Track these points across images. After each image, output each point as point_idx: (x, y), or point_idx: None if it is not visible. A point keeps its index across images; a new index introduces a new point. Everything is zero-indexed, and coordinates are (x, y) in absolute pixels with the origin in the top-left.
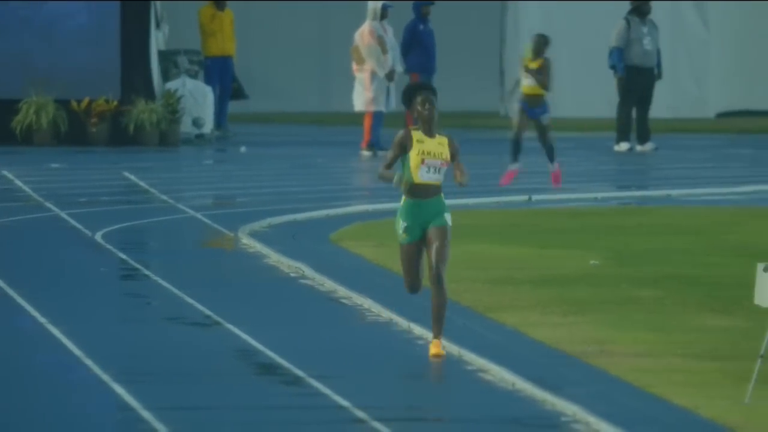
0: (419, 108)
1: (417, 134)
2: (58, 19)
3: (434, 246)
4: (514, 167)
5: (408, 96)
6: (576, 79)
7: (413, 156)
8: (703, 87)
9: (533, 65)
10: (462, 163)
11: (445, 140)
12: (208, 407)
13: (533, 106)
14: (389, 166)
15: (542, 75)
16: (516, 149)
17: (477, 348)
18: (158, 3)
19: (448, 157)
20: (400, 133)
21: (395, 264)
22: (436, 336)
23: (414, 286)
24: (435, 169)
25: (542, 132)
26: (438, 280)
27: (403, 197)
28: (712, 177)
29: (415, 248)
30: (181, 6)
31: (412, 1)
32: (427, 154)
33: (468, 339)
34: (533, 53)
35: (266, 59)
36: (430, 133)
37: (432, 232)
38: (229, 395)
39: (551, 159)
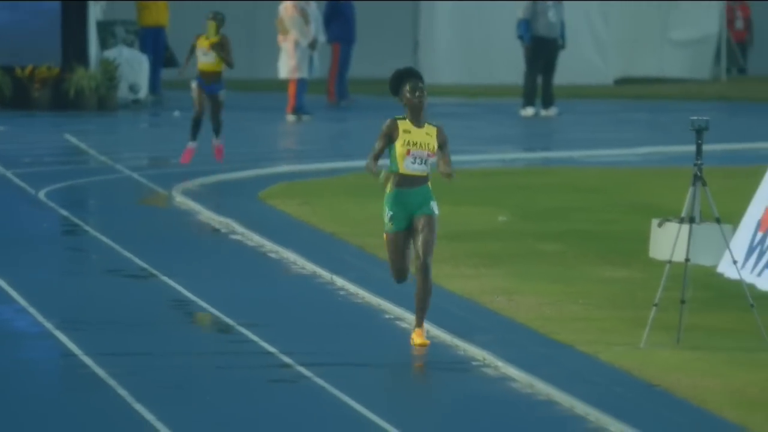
0: (408, 95)
1: (404, 124)
2: None
3: (421, 236)
4: (192, 145)
5: (395, 83)
6: (485, 48)
7: (398, 146)
8: (602, 56)
9: (213, 41)
10: (448, 154)
11: (434, 130)
12: (144, 353)
13: (210, 82)
14: (377, 157)
15: (225, 51)
16: (196, 127)
17: (394, 298)
18: None
19: (436, 147)
20: (387, 122)
21: (319, 220)
22: (419, 325)
23: (401, 274)
24: (421, 160)
25: (217, 107)
26: (425, 270)
27: (390, 186)
28: (610, 140)
29: (401, 237)
30: None
31: None
32: (414, 145)
33: (386, 290)
34: (214, 30)
35: (197, 29)
36: (418, 123)
37: (419, 221)
38: (163, 342)
39: (217, 134)
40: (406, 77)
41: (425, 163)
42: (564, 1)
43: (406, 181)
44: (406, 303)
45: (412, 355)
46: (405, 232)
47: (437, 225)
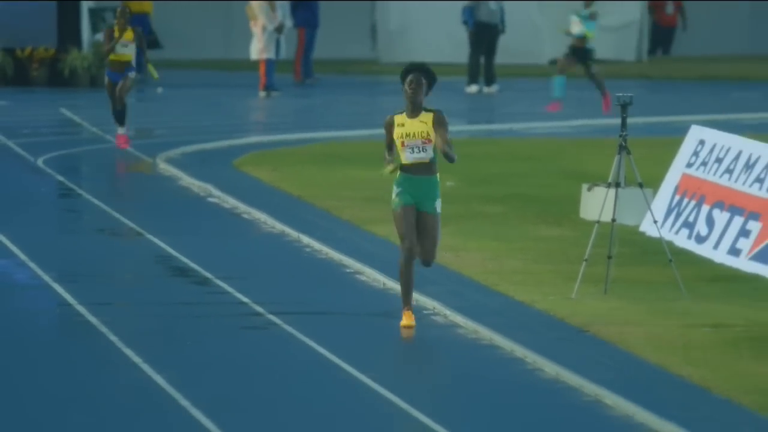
0: (405, 87)
1: (399, 118)
2: None
3: (426, 237)
4: (122, 131)
5: (402, 76)
6: (434, 31)
7: (396, 140)
8: (537, 39)
9: (128, 37)
10: (448, 138)
11: (429, 116)
12: (132, 302)
13: (118, 69)
14: (389, 147)
15: (140, 41)
16: (120, 115)
17: (354, 254)
18: None
19: (431, 131)
20: (386, 118)
21: (287, 185)
22: (409, 305)
23: (412, 247)
24: (418, 149)
25: (125, 91)
26: (427, 263)
27: (398, 172)
28: (545, 114)
29: (409, 210)
30: None
31: None
32: (407, 137)
33: (347, 247)
34: (127, 24)
35: (179, 15)
36: (412, 113)
37: (423, 220)
38: (148, 293)
39: (122, 123)
40: (410, 71)
41: (423, 150)
42: None
43: (409, 169)
44: (364, 259)
45: (371, 304)
46: (411, 207)
47: (440, 224)
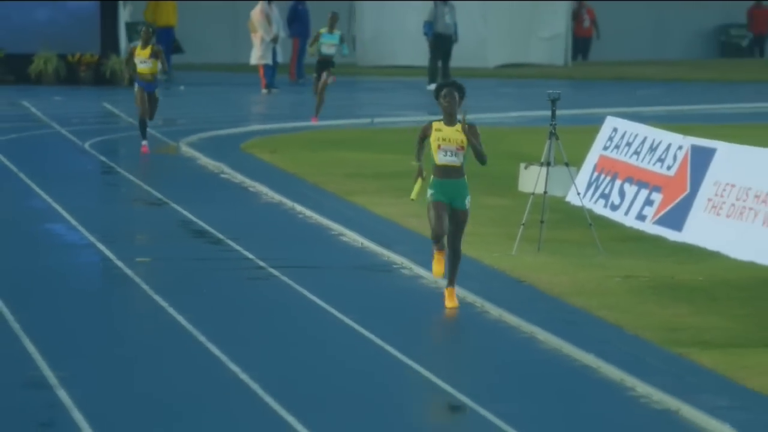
0: (441, 101)
1: (437, 124)
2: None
3: (457, 228)
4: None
5: (437, 92)
6: (400, 39)
7: (432, 142)
8: (482, 47)
9: (145, 54)
10: (480, 143)
11: (459, 127)
12: (159, 258)
13: (146, 80)
14: (419, 148)
15: (158, 55)
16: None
17: (337, 219)
18: None
19: (464, 141)
20: (424, 124)
21: (284, 164)
22: (452, 285)
23: (439, 236)
24: (451, 153)
25: (154, 109)
26: (457, 250)
27: (432, 176)
28: (491, 107)
29: (440, 205)
30: None
31: None
32: (443, 141)
33: (331, 213)
34: (148, 43)
35: (197, 27)
36: (449, 122)
37: (455, 215)
38: (173, 250)
39: (145, 136)
40: (444, 87)
41: (455, 155)
42: (457, 3)
43: (442, 172)
44: (346, 223)
45: (351, 260)
46: (443, 203)
47: (468, 217)
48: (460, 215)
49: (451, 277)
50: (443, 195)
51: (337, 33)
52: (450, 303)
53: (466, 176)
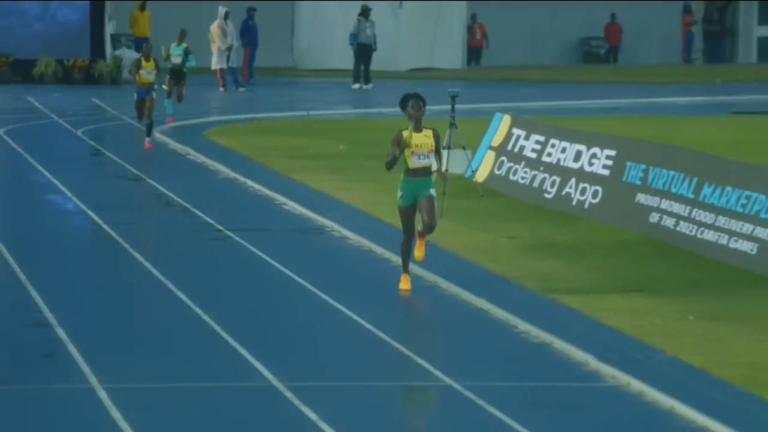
0: (410, 110)
1: (407, 133)
2: (58, 12)
3: (425, 210)
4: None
5: (403, 102)
6: (331, 46)
7: (406, 151)
8: (395, 54)
9: (150, 66)
10: (441, 152)
11: (430, 132)
12: (136, 222)
13: (144, 89)
14: (393, 159)
15: (158, 67)
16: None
17: (280, 191)
18: (109, 6)
19: (433, 144)
20: (397, 133)
21: (238, 147)
22: (422, 237)
23: (410, 234)
24: (424, 156)
25: (152, 109)
26: (430, 230)
27: (402, 174)
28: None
29: (409, 209)
30: (122, 10)
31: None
32: (417, 146)
33: (275, 187)
34: (150, 57)
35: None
36: (418, 129)
37: (423, 201)
38: (148, 216)
39: (149, 134)
40: (410, 98)
41: (428, 158)
42: (374, 18)
43: (414, 172)
44: (287, 195)
45: (292, 224)
46: (411, 207)
47: (435, 202)
48: (426, 202)
49: (424, 235)
50: (410, 196)
51: (182, 46)
52: (418, 254)
53: (432, 176)
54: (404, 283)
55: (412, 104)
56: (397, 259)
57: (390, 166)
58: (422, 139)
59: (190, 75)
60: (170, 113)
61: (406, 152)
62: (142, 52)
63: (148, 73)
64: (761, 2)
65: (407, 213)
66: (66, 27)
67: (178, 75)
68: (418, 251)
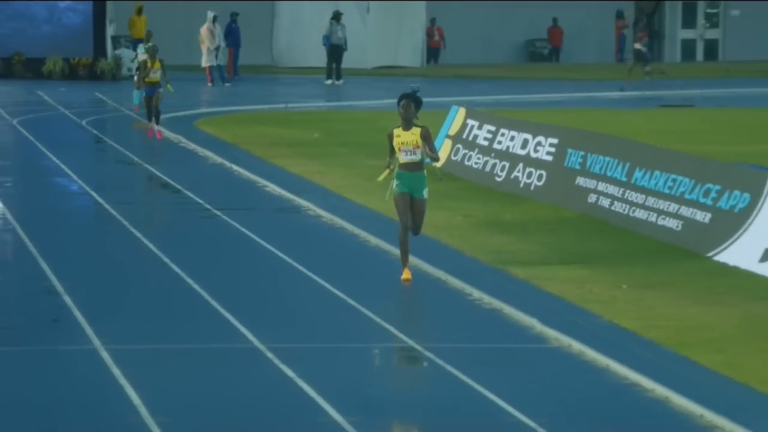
0: (400, 110)
1: (397, 131)
2: (63, 15)
3: (416, 212)
4: (157, 127)
5: (399, 101)
6: (306, 45)
7: (395, 146)
8: (363, 53)
9: (156, 66)
10: (433, 145)
11: (418, 130)
12: (134, 202)
13: (151, 87)
14: (390, 151)
15: (163, 68)
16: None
17: (263, 175)
18: (110, 10)
19: (419, 141)
20: (389, 131)
21: (224, 136)
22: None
23: (407, 225)
24: (410, 152)
25: (158, 102)
26: (416, 233)
27: (397, 168)
28: (370, 95)
29: (405, 197)
30: (121, 14)
31: (230, 12)
32: (403, 144)
33: (259, 171)
34: (156, 58)
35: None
36: (406, 128)
37: (415, 203)
38: (145, 197)
39: (158, 122)
40: (403, 98)
41: (414, 153)
42: (345, 21)
43: (405, 166)
44: (269, 178)
45: (274, 203)
46: (406, 194)
47: (426, 206)
48: (419, 204)
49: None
50: (406, 186)
51: (148, 45)
52: (407, 276)
53: (425, 170)
54: (406, 274)
55: (403, 104)
56: (364, 234)
57: (389, 161)
58: (409, 137)
59: (184, 71)
60: (136, 104)
61: (395, 148)
62: (149, 54)
63: (153, 72)
64: (684, 8)
65: (403, 200)
66: (71, 29)
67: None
68: (406, 274)
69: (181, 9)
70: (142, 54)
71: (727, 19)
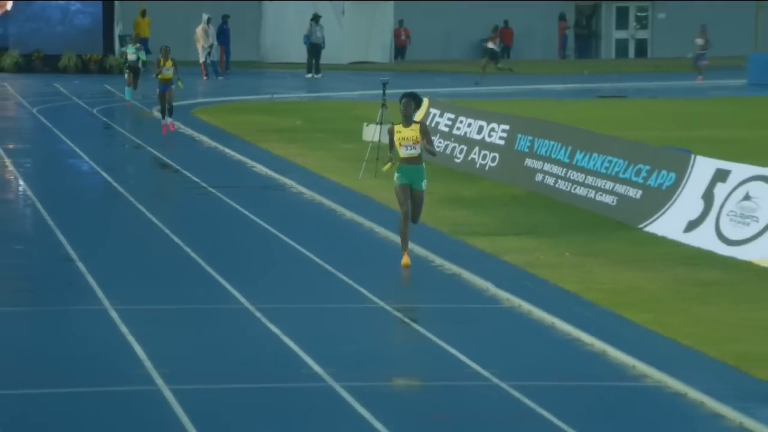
0: (401, 107)
1: (397, 127)
2: (75, 17)
3: (416, 203)
4: (170, 121)
5: (400, 99)
6: (288, 43)
7: (396, 141)
8: (339, 50)
9: (168, 64)
10: (430, 138)
11: (417, 126)
12: (140, 181)
13: (163, 84)
14: (391, 145)
15: (175, 66)
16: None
17: (250, 156)
18: (117, 12)
19: (419, 137)
20: (389, 126)
21: (218, 123)
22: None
23: (407, 212)
24: (410, 147)
25: (171, 98)
26: (415, 221)
27: (398, 162)
28: (345, 87)
29: (406, 188)
30: (127, 15)
31: (222, 15)
32: (403, 139)
33: (246, 153)
34: (168, 57)
35: (163, 37)
36: (406, 124)
37: (415, 194)
38: (147, 176)
39: (170, 116)
40: (404, 97)
41: (414, 148)
42: (323, 21)
43: (405, 161)
44: (255, 159)
45: (260, 182)
46: (406, 186)
47: (425, 195)
48: (418, 194)
49: (406, 243)
50: (406, 178)
51: (135, 46)
52: (406, 261)
53: (424, 163)
54: (405, 259)
55: (404, 102)
56: (340, 208)
57: (390, 152)
58: (409, 133)
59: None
60: (128, 100)
61: (396, 143)
62: (162, 53)
63: (166, 70)
64: (618, 12)
65: (404, 191)
66: (83, 29)
67: (135, 70)
68: (405, 259)
69: (179, 11)
70: (131, 54)
71: (655, 21)
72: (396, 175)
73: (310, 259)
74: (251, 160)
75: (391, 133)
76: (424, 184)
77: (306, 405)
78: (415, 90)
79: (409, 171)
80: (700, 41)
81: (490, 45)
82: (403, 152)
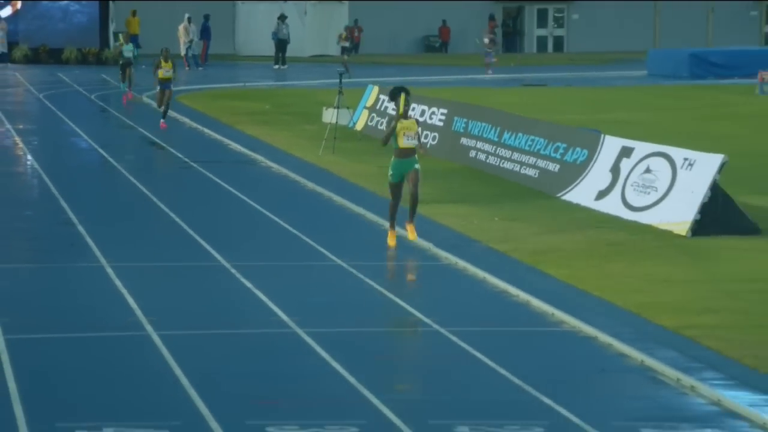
0: (403, 102)
1: (400, 119)
2: (75, 15)
3: (412, 181)
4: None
5: (394, 93)
6: (259, 37)
7: (398, 132)
8: (301, 43)
9: (168, 65)
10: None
11: (413, 120)
12: (135, 158)
13: (163, 83)
14: (387, 138)
15: (174, 66)
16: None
17: (227, 136)
18: (112, 9)
19: (417, 128)
20: (393, 117)
21: (202, 108)
22: (411, 221)
23: (396, 205)
24: (411, 137)
25: (169, 99)
26: (415, 195)
27: (393, 157)
28: (306, 76)
29: (399, 185)
30: (120, 14)
31: (203, 14)
32: (406, 129)
33: (224, 133)
34: (168, 58)
35: (151, 33)
36: (405, 117)
37: (411, 173)
38: (139, 153)
39: (165, 116)
40: (401, 91)
41: (415, 139)
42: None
43: (403, 153)
44: (235, 140)
45: (234, 157)
46: (399, 183)
47: (420, 173)
48: (413, 173)
49: (411, 214)
50: (399, 175)
51: (130, 45)
52: (411, 236)
53: (417, 155)
54: (391, 240)
55: (404, 98)
56: (303, 180)
57: (386, 140)
58: (410, 124)
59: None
60: (125, 92)
61: (398, 133)
62: (162, 55)
63: (166, 71)
64: (538, 13)
65: (397, 187)
66: (81, 26)
67: (128, 65)
68: (411, 234)
69: (165, 10)
70: (127, 52)
71: (570, 20)
72: (390, 172)
73: (277, 223)
74: (227, 138)
75: (396, 121)
76: (417, 165)
77: (275, 347)
78: (367, 80)
79: (403, 164)
80: (486, 40)
81: (344, 44)
82: (404, 142)
